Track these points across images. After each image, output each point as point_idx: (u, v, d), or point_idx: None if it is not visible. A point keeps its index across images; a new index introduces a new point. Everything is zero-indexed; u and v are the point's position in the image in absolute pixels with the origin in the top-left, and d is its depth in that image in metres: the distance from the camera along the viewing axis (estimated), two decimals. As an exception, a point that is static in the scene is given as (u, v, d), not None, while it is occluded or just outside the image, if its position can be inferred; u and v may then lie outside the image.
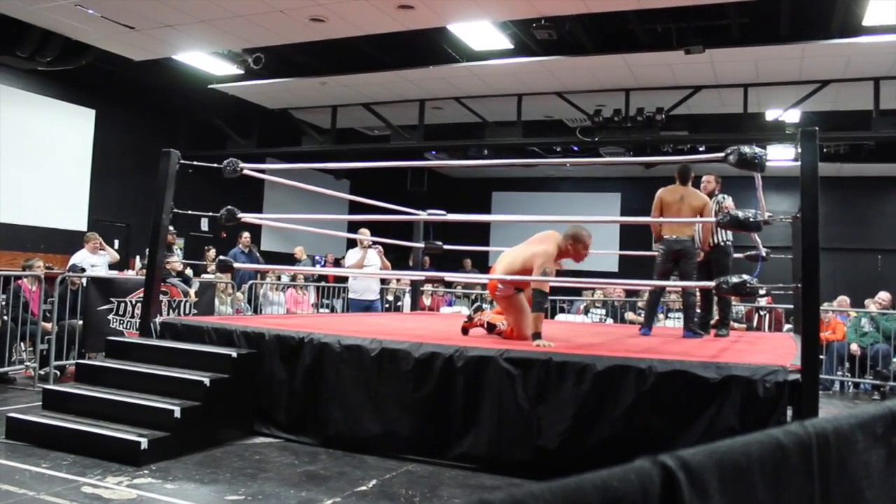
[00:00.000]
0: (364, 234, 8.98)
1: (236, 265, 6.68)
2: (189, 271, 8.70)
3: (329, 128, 13.22)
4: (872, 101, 9.90)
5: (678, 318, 9.55)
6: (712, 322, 6.43)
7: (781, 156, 11.78)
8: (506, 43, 9.58)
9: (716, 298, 6.25)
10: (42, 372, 6.59)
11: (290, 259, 13.28)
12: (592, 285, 11.55)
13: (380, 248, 9.17)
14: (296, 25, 9.00)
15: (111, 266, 8.99)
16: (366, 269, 8.83)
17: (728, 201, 6.22)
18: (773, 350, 5.16)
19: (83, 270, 7.89)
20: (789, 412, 3.69)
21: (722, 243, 6.08)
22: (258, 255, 11.71)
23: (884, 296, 9.02)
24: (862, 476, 1.41)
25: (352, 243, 15.14)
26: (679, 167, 6.05)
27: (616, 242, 16.27)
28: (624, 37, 9.56)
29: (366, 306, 9.27)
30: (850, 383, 8.91)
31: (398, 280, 11.51)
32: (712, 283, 4.61)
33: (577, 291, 11.90)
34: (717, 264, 6.01)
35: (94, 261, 8.49)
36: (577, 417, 3.97)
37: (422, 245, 8.94)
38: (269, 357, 4.87)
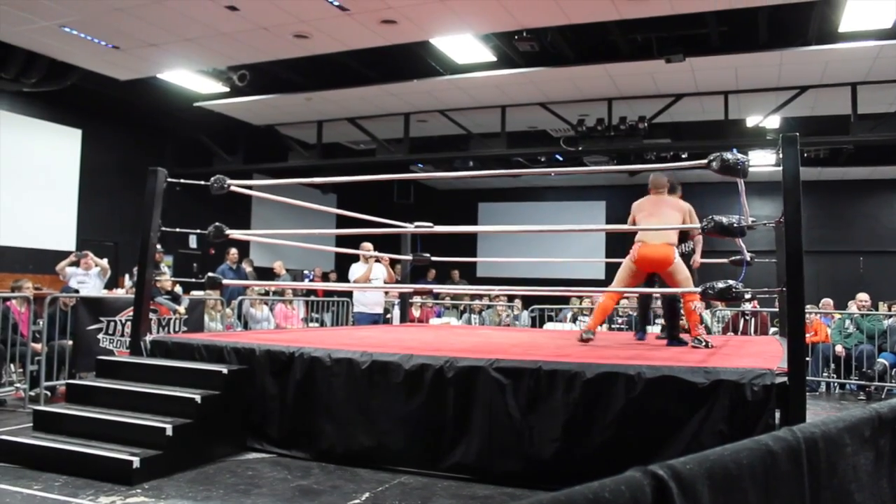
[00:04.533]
0: (367, 248, 8.85)
1: (224, 282, 6.68)
2: (178, 288, 8.68)
3: (315, 143, 13.27)
4: (850, 106, 10.06)
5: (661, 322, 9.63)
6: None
7: (763, 161, 11.92)
8: (489, 55, 9.67)
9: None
10: (32, 393, 6.56)
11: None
12: (580, 293, 11.59)
13: (385, 258, 9.10)
14: (280, 42, 9.05)
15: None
16: (372, 281, 8.78)
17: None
18: (759, 353, 5.21)
19: (76, 292, 7.87)
20: (777, 415, 3.74)
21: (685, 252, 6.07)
22: (248, 271, 11.68)
23: (862, 297, 9.13)
24: (851, 479, 1.43)
25: (341, 258, 15.17)
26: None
27: (602, 250, 16.35)
28: (605, 47, 9.66)
29: (374, 320, 9.14)
30: (835, 384, 9.00)
31: (387, 292, 11.52)
32: (699, 289, 4.67)
33: (565, 300, 11.95)
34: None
35: (85, 279, 8.48)
36: (568, 425, 4.01)
37: (410, 257, 8.97)
38: (260, 372, 4.88)
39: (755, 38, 9.00)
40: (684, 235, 5.95)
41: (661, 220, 5.49)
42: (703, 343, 5.37)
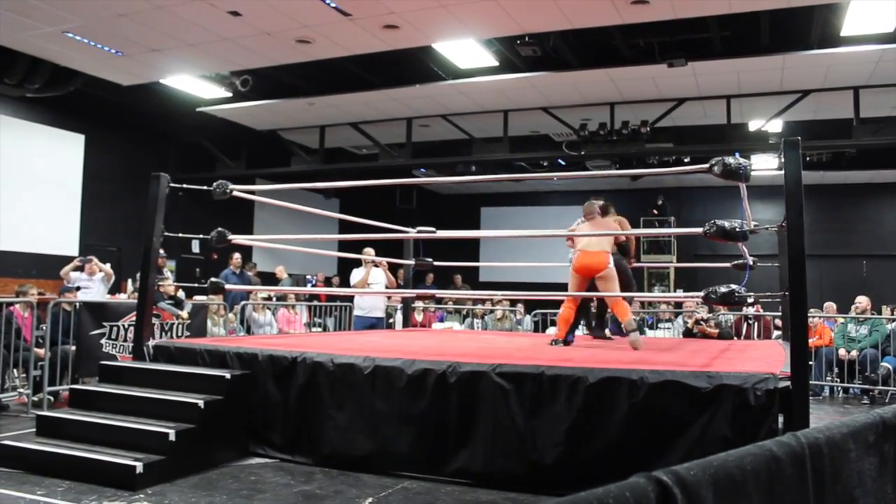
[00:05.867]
0: (368, 253, 8.89)
1: (227, 286, 6.69)
2: (181, 293, 8.69)
3: (317, 148, 13.28)
4: (853, 110, 10.05)
5: (668, 328, 9.63)
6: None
7: (765, 165, 11.90)
8: (491, 60, 9.68)
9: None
10: (35, 398, 6.57)
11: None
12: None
13: (384, 264, 9.13)
14: (282, 47, 9.07)
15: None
16: (371, 286, 8.82)
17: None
18: (762, 358, 5.20)
19: (78, 289, 7.86)
20: (781, 419, 3.73)
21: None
22: (251, 276, 11.70)
23: (859, 300, 9.08)
24: (855, 484, 1.43)
25: (343, 262, 15.18)
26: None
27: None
28: (607, 52, 9.67)
29: (372, 324, 9.20)
30: (839, 388, 8.98)
31: (389, 297, 11.52)
32: (700, 294, 4.66)
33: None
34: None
35: (89, 284, 8.50)
36: (570, 430, 4.00)
37: (412, 262, 8.97)
38: (263, 377, 4.88)
39: (757, 43, 9.00)
40: (625, 250, 6.67)
41: (600, 237, 6.10)
42: (634, 327, 5.87)
